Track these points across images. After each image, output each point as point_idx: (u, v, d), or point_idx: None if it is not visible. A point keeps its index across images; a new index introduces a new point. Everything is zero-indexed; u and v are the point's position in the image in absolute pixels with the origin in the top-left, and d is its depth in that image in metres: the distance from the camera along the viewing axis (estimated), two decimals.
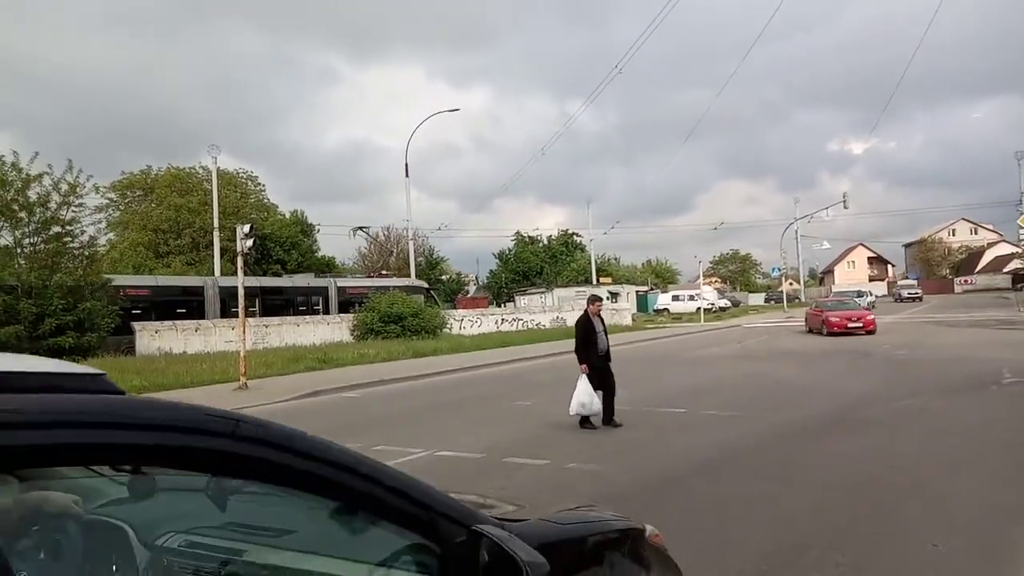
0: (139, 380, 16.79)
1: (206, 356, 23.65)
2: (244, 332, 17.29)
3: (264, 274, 44.63)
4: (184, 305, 30.61)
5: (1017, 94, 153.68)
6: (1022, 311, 38.94)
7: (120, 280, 28.83)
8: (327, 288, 36.81)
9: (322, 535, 1.70)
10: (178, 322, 27.76)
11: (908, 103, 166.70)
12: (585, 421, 10.02)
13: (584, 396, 9.85)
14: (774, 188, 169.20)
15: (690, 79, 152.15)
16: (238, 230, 16.04)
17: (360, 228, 48.28)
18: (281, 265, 49.69)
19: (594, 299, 10.95)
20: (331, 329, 31.31)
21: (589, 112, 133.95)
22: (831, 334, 27.25)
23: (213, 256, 38.52)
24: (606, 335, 10.68)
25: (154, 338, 26.44)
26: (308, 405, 14.15)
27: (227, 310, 31.19)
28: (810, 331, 30.57)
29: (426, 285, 45.14)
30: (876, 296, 61.87)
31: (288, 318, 31.41)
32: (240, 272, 17.12)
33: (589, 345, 10.35)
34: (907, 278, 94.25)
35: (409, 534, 1.61)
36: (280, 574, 1.73)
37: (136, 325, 26.53)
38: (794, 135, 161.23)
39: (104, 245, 37.60)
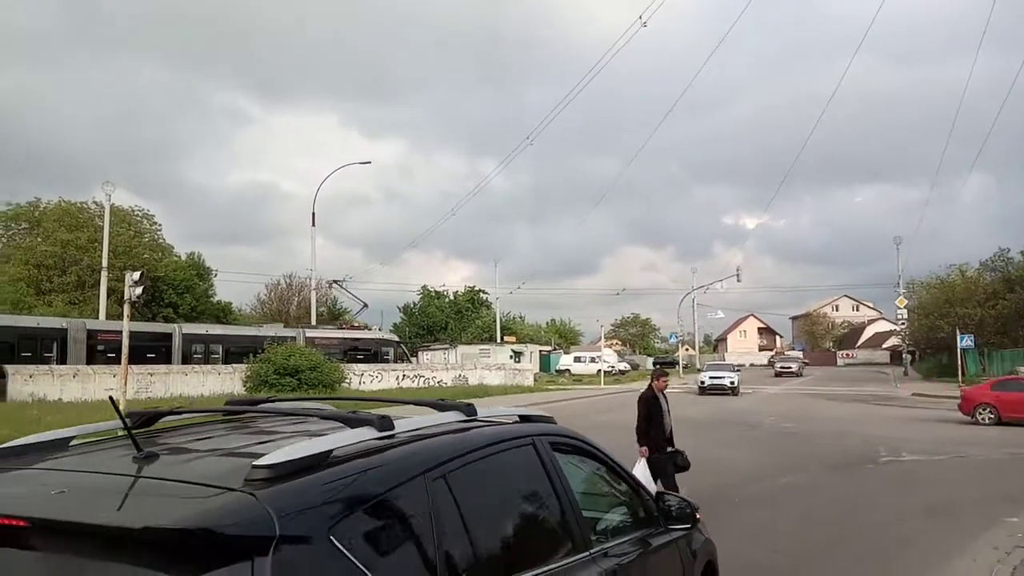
0: (7, 430, 15.52)
1: (84, 404, 22.23)
2: (125, 381, 16.41)
3: (153, 318, 42.70)
4: (154, 351, 31.48)
5: (894, 182, 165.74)
6: (898, 387, 41.34)
7: (95, 325, 31.19)
8: (295, 338, 36.54)
9: (599, 488, 3.53)
10: (55, 367, 26.09)
11: (798, 185, 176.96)
12: None
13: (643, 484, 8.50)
14: (673, 256, 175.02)
15: (599, 147, 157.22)
16: (127, 277, 15.35)
17: (335, 282, 47.91)
18: (173, 309, 47.57)
19: (661, 373, 9.63)
20: (222, 380, 30.05)
21: (500, 173, 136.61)
22: None
23: (99, 296, 36.60)
24: (670, 414, 9.32)
25: (27, 383, 24.63)
26: None
27: (190, 357, 32.63)
28: (1000, 421, 20.69)
29: (397, 339, 44.87)
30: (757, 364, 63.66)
31: (174, 367, 30.09)
32: (126, 319, 16.33)
33: (652, 425, 8.97)
34: (794, 348, 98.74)
35: (631, 493, 3.59)
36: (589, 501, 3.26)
37: (9, 368, 24.71)
38: (693, 208, 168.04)
39: None
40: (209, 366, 31.49)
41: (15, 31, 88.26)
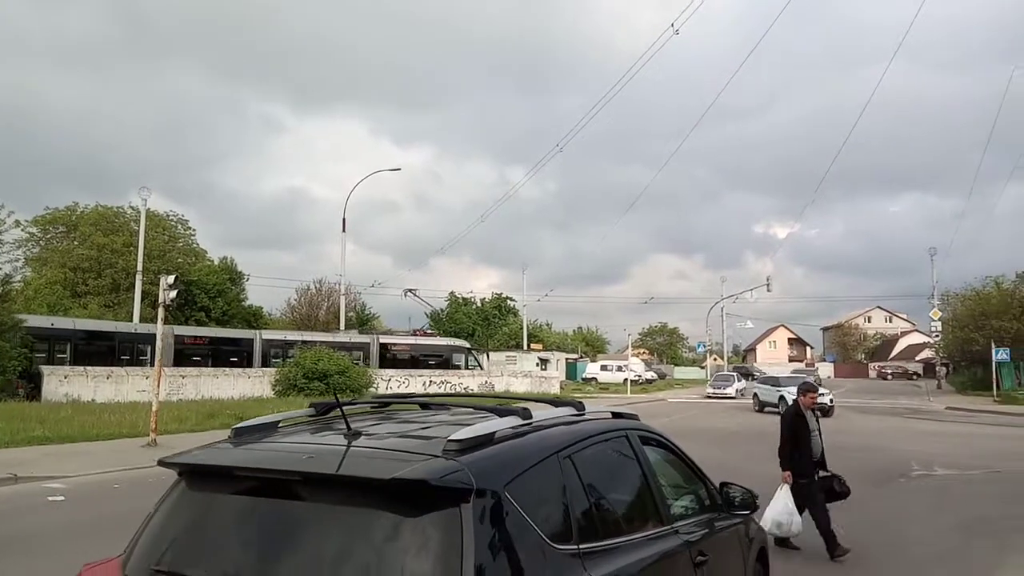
0: (42, 430, 15.89)
1: (116, 406, 22.58)
2: (158, 383, 16.59)
3: (186, 321, 43.33)
4: (236, 354, 34.02)
5: (930, 192, 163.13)
6: (931, 400, 40.62)
7: (182, 331, 33.49)
8: (369, 344, 38.40)
9: (673, 476, 3.99)
10: (89, 368, 26.56)
11: (831, 194, 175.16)
12: (783, 541, 7.87)
13: (782, 514, 7.68)
14: (702, 265, 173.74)
15: (628, 155, 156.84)
16: (162, 280, 15.59)
17: (410, 291, 48.70)
18: (205, 313, 48.22)
19: (808, 388, 8.55)
20: (252, 383, 30.43)
21: (529, 180, 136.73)
22: None
23: (134, 299, 37.25)
24: (821, 435, 8.36)
25: (62, 383, 25.16)
26: None
27: (268, 360, 34.63)
28: None
29: (468, 346, 45.35)
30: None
31: (206, 369, 30.50)
32: (160, 321, 16.55)
33: (800, 447, 8.08)
34: (824, 360, 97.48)
35: (699, 482, 4.20)
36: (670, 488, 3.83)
37: (45, 368, 25.27)
38: (724, 216, 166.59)
39: (19, 282, 36.03)
40: (239, 370, 31.91)
41: (57, 40, 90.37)
